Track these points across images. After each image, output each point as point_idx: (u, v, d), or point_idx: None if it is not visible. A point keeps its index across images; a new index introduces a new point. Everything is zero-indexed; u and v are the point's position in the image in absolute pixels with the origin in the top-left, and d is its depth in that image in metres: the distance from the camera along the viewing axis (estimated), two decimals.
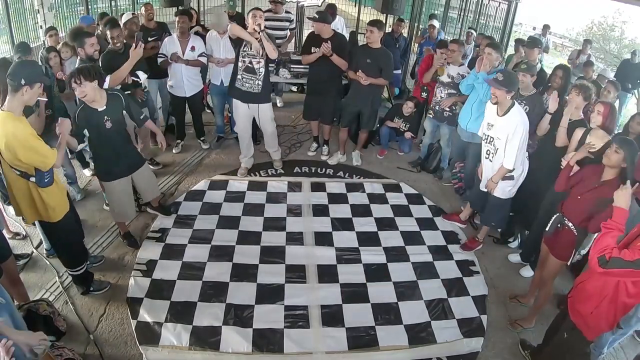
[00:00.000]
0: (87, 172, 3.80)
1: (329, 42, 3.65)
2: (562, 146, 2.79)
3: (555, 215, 2.41)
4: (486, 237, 3.41)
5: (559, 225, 2.38)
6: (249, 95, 3.54)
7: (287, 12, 4.91)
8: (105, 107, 2.55)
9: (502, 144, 2.82)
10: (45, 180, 2.15)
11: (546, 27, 7.18)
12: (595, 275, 1.84)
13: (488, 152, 3.00)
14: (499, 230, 3.47)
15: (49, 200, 2.22)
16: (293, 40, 5.57)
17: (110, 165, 2.75)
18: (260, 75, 3.46)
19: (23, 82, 1.97)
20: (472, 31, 6.18)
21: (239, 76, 3.50)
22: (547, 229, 2.44)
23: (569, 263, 2.42)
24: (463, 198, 3.88)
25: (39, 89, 2.08)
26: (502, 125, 2.81)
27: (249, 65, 3.43)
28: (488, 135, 2.96)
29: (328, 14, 3.88)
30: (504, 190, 3.00)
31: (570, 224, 2.33)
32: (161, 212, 3.32)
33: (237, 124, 3.82)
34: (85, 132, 2.55)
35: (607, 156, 2.15)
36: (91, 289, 2.64)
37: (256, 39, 3.28)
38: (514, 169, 2.88)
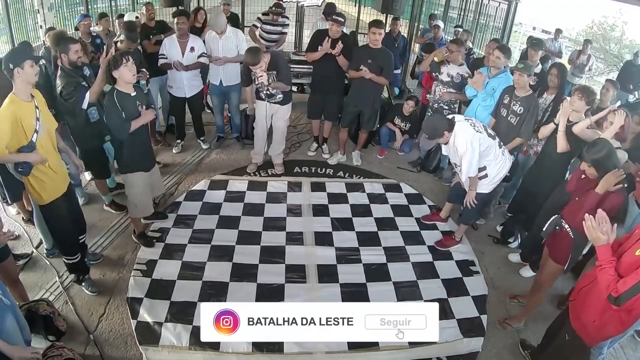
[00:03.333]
0: (88, 176, 3.79)
1: (340, 42, 3.69)
2: (564, 152, 2.77)
3: (553, 217, 2.39)
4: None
5: (556, 227, 2.36)
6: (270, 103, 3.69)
7: (283, 16, 4.95)
8: (135, 93, 2.63)
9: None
10: (19, 170, 2.17)
11: (558, 32, 7.02)
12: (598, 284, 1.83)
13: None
14: (499, 230, 3.48)
15: (33, 182, 2.27)
16: (293, 40, 5.59)
17: (143, 156, 2.80)
18: (278, 96, 3.60)
19: (11, 66, 2.06)
20: (460, 29, 5.93)
21: (260, 93, 3.65)
22: (544, 228, 2.42)
23: (565, 268, 2.38)
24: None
25: (31, 67, 2.10)
26: (452, 153, 2.90)
27: (267, 92, 3.57)
28: (454, 163, 3.06)
29: (343, 17, 3.89)
30: (483, 186, 3.00)
31: (567, 226, 2.31)
32: (156, 219, 3.29)
33: (256, 120, 3.88)
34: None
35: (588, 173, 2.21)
36: (82, 283, 2.65)
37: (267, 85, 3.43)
38: (485, 174, 2.94)
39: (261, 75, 3.28)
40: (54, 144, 2.38)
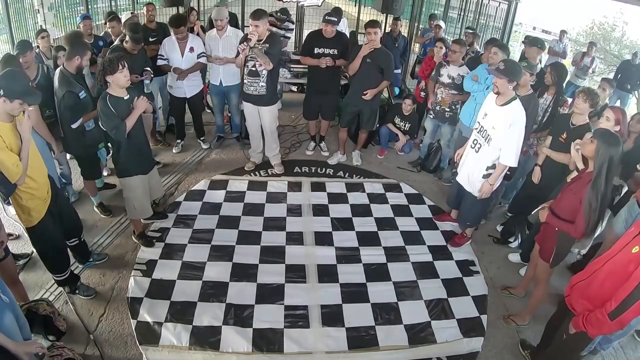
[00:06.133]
0: None
1: (329, 58, 3.79)
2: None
3: (543, 205, 2.39)
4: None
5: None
6: (255, 97, 3.64)
7: (289, 20, 4.95)
8: (129, 95, 2.61)
9: (497, 134, 2.72)
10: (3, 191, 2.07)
11: (563, 33, 7.05)
12: (597, 278, 1.83)
13: (475, 142, 2.93)
14: (499, 230, 3.48)
15: (17, 205, 2.20)
16: (293, 40, 5.59)
17: (140, 158, 2.79)
18: (263, 77, 3.54)
19: (1, 92, 1.94)
20: (469, 31, 6.02)
21: (245, 81, 3.62)
22: (532, 212, 2.41)
23: (550, 264, 2.38)
24: None
25: (20, 105, 1.99)
26: (500, 115, 2.70)
27: (252, 69, 3.51)
28: (480, 125, 2.89)
29: (337, 16, 3.89)
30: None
31: None
32: (156, 219, 3.29)
33: (247, 120, 3.91)
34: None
35: (582, 145, 2.19)
36: (77, 291, 2.62)
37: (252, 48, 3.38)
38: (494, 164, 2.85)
39: (253, 34, 3.29)
40: (35, 147, 2.25)
